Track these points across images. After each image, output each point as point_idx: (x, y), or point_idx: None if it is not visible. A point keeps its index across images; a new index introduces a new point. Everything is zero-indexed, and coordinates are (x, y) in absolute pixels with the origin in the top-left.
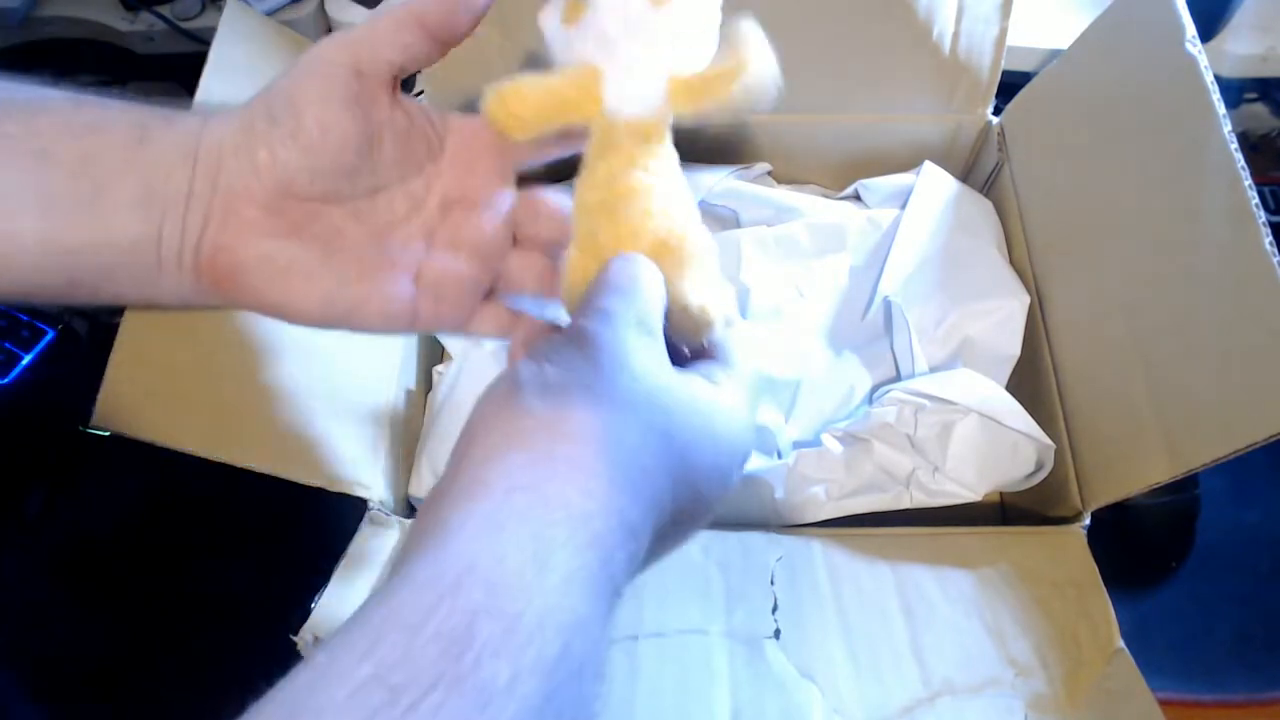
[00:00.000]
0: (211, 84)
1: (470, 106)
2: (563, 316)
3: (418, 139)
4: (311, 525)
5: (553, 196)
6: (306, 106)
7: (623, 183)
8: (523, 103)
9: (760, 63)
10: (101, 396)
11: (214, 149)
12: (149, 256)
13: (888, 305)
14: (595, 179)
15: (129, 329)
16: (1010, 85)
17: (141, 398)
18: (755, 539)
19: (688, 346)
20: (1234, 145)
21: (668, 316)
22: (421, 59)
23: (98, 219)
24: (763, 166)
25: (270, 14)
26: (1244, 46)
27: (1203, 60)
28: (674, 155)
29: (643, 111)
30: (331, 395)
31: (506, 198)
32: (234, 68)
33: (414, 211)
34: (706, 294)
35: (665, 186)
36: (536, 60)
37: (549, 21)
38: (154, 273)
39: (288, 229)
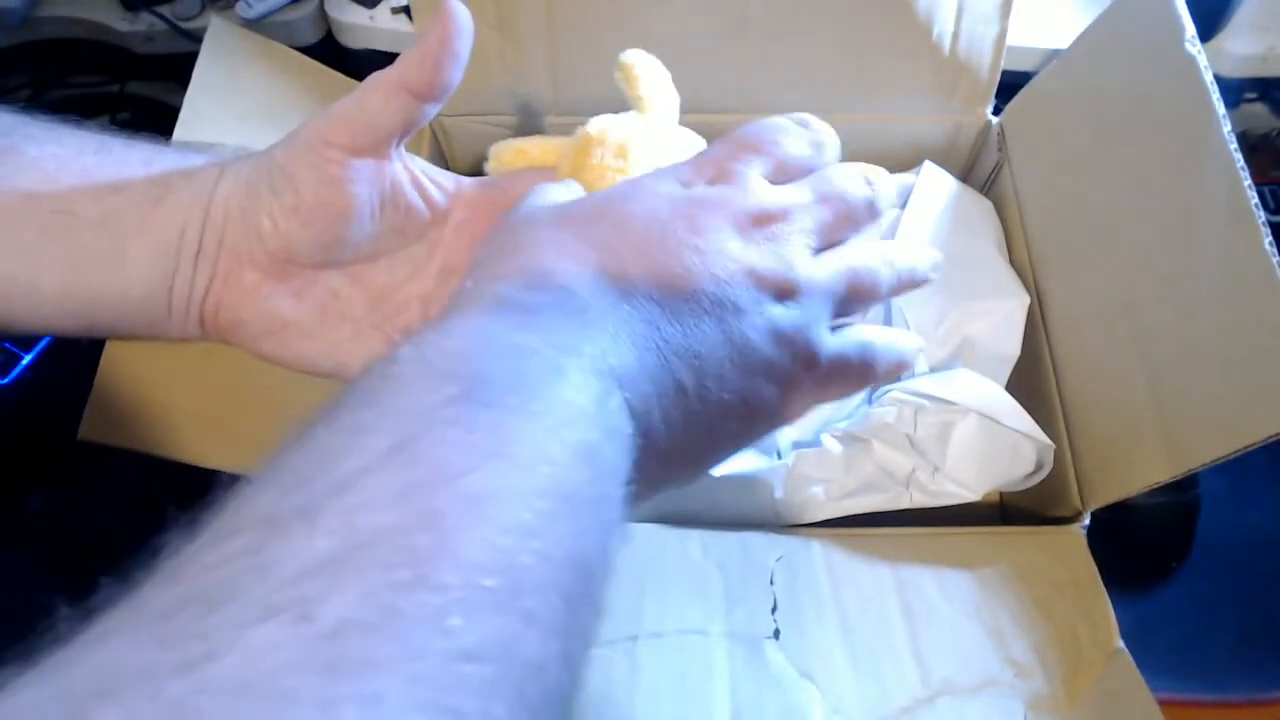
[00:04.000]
0: (197, 101)
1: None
2: None
3: (420, 207)
4: None
5: None
6: (305, 186)
7: (600, 180)
8: (526, 158)
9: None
10: (88, 409)
11: (222, 206)
12: (160, 306)
13: (887, 305)
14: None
15: (115, 342)
16: (1010, 85)
17: (129, 408)
18: (755, 539)
19: None
20: (1234, 145)
21: None
22: (416, 119)
23: (116, 273)
24: None
25: (269, 15)
26: (1244, 46)
27: (1202, 60)
28: (651, 159)
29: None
30: (324, 398)
31: None
32: (219, 84)
33: (413, 276)
34: None
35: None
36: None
37: None
38: (164, 320)
39: (287, 291)
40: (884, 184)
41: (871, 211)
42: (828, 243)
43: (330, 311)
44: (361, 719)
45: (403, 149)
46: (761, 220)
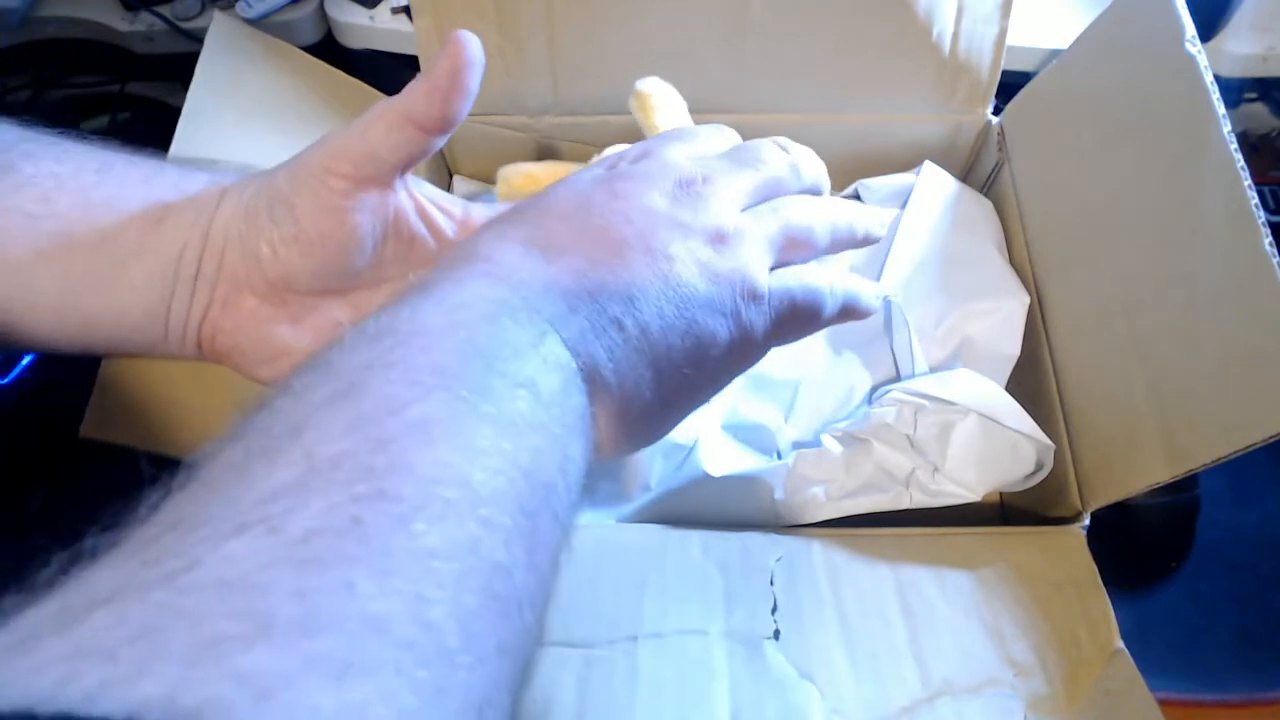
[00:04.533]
0: (200, 98)
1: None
2: None
3: (425, 236)
4: None
5: None
6: (305, 216)
7: None
8: (535, 183)
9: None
10: (90, 407)
11: (222, 230)
12: (158, 328)
13: (887, 305)
14: None
15: None
16: (1010, 85)
17: (131, 405)
18: (755, 539)
19: None
20: (1234, 145)
21: None
22: (422, 151)
23: (113, 296)
24: None
25: (268, 15)
26: (1244, 46)
27: (1202, 60)
28: None
29: None
30: None
31: None
32: (223, 81)
33: None
34: None
35: None
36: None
37: None
38: (161, 341)
39: (285, 318)
40: (798, 150)
41: (796, 176)
42: (756, 204)
43: (330, 340)
44: (334, 604)
45: (409, 177)
46: (685, 184)
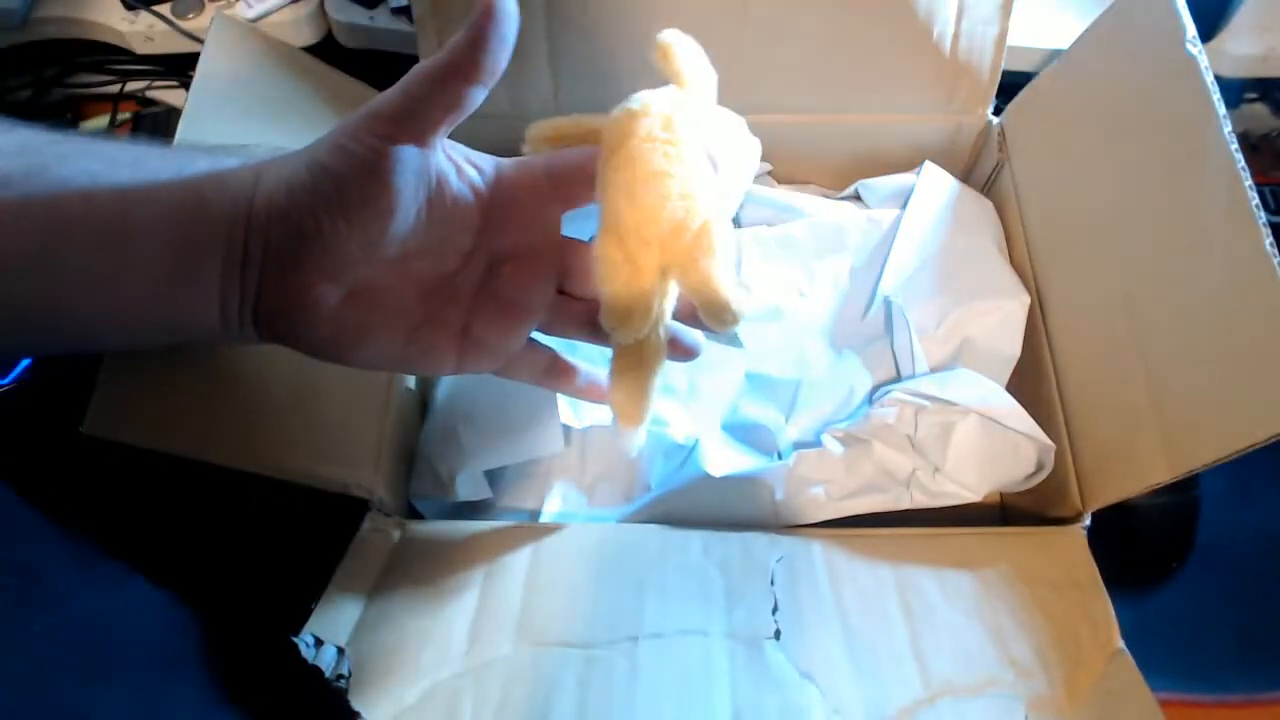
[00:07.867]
0: (201, 97)
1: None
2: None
3: (466, 196)
4: (310, 526)
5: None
6: (347, 180)
7: (644, 165)
8: (562, 136)
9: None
10: (92, 405)
11: (264, 211)
12: (212, 318)
13: (888, 305)
14: (619, 160)
15: None
16: (1010, 85)
17: (133, 403)
18: (755, 540)
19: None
20: (1234, 145)
21: (698, 307)
22: (462, 105)
23: (161, 290)
24: (763, 166)
25: (268, 14)
26: (1244, 47)
27: (1203, 60)
28: (697, 146)
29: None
30: (330, 395)
31: (552, 253)
32: (224, 80)
33: (462, 266)
34: (733, 288)
35: (687, 172)
36: None
37: None
38: (219, 330)
39: (338, 293)
40: None
41: None
42: None
43: (384, 309)
44: None
45: (446, 140)
46: None
